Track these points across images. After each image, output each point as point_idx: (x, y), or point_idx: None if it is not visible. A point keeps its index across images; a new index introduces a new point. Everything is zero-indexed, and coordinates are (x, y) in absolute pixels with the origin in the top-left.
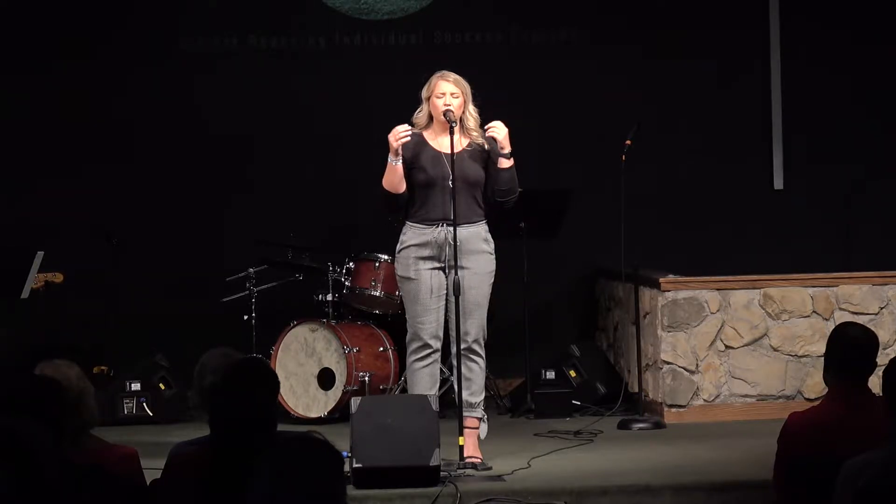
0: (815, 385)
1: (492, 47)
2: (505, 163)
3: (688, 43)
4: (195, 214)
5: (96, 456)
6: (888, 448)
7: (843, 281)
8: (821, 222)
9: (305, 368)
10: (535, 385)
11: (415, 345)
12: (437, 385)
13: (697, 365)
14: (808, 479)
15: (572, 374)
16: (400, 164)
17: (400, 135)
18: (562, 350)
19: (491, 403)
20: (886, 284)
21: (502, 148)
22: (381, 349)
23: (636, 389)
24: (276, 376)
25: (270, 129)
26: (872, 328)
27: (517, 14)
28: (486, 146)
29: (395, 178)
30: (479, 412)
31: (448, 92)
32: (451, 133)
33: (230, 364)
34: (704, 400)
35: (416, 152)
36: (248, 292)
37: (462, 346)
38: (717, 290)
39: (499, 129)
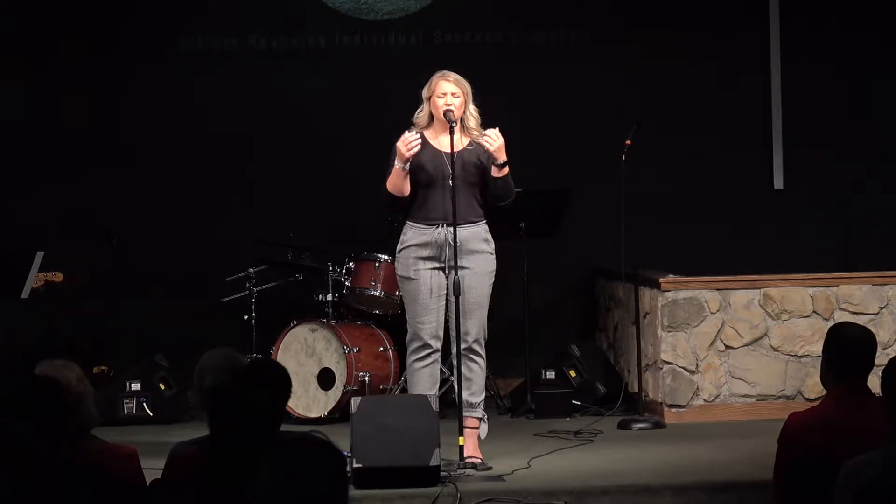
0: (815, 385)
1: (492, 47)
2: (497, 171)
3: (688, 43)
4: (195, 214)
5: (96, 456)
6: (888, 448)
7: (843, 281)
8: (821, 222)
9: (305, 368)
10: (535, 385)
11: (415, 345)
12: (437, 385)
13: (697, 365)
14: (808, 480)
15: (572, 374)
16: (407, 167)
17: (410, 143)
18: (562, 350)
19: (491, 403)
20: (886, 284)
21: (496, 158)
22: (381, 349)
23: (636, 389)
24: (285, 378)
25: (270, 128)
26: (872, 328)
27: (517, 14)
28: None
29: (400, 181)
30: (479, 412)
31: (449, 92)
32: (451, 133)
33: (239, 365)
34: (704, 400)
35: (418, 151)
36: (248, 292)
37: (462, 346)
38: (717, 290)
39: (492, 140)
